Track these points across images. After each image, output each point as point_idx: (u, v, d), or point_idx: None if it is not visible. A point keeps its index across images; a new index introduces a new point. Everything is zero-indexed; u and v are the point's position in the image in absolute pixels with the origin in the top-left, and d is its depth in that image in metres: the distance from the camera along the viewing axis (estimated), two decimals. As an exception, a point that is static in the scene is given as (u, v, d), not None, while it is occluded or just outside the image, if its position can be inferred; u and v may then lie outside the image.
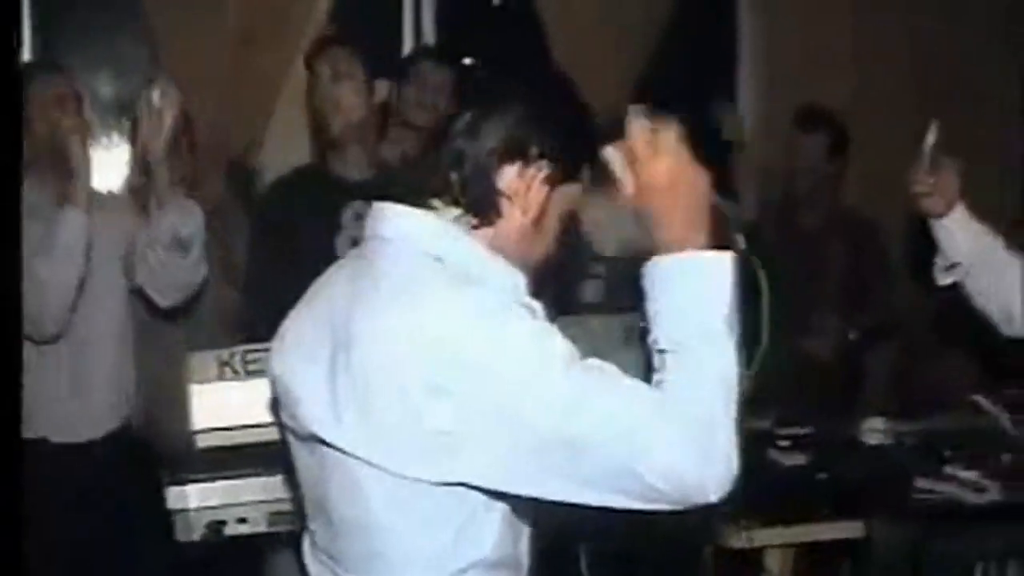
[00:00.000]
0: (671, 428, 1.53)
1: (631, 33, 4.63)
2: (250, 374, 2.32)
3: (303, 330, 1.71)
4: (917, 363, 4.06)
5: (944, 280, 2.78)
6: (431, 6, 4.59)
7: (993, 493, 3.13)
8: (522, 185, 1.67)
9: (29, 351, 2.87)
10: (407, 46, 4.54)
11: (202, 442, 2.32)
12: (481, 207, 1.66)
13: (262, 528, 2.38)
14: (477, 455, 1.53)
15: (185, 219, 2.94)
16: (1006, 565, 3.11)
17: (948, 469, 3.23)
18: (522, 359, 1.54)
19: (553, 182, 1.69)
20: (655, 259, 1.63)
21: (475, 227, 1.67)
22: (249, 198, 3.73)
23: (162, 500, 2.36)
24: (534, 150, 1.66)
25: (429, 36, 4.59)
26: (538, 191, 1.67)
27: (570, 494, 1.56)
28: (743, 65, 4.97)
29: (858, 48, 4.73)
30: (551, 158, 1.67)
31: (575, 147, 1.71)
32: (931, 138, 2.66)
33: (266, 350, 2.16)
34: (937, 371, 3.96)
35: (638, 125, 1.63)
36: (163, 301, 3.04)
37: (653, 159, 1.62)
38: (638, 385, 1.58)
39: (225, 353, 2.35)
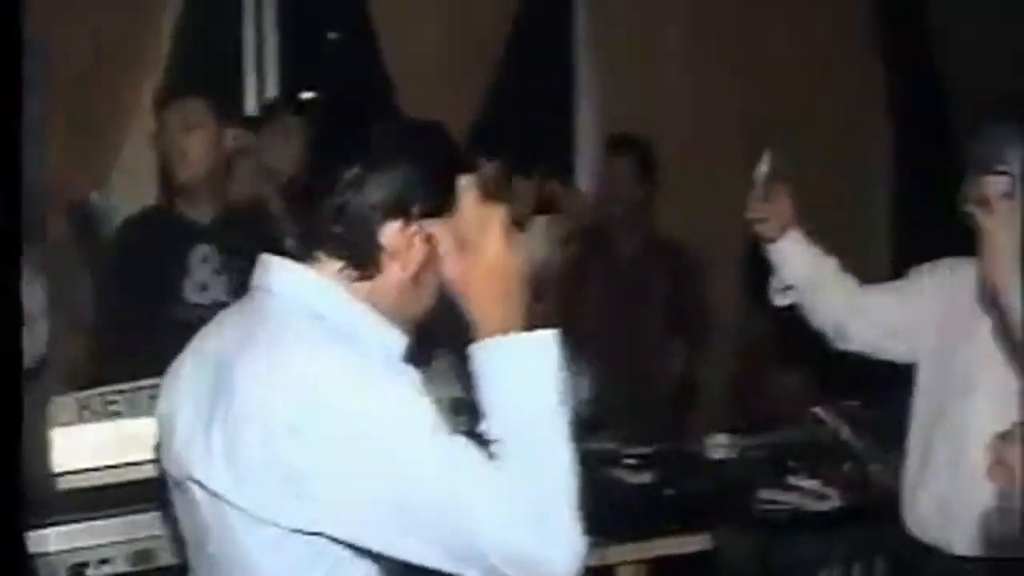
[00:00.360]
0: (509, 512, 1.53)
1: (469, 71, 4.68)
2: (110, 415, 2.30)
3: (190, 372, 1.71)
4: (758, 379, 4.20)
5: (781, 301, 2.91)
6: (273, 45, 4.59)
7: (835, 500, 3.30)
8: (403, 241, 1.67)
9: None
10: (250, 85, 4.53)
11: (64, 484, 2.29)
12: (362, 261, 1.67)
13: (124, 568, 2.33)
14: (331, 504, 1.54)
15: (28, 296, 2.87)
16: (851, 568, 3.27)
17: (791, 479, 3.39)
18: (386, 418, 1.55)
19: (433, 239, 1.69)
20: (476, 344, 1.63)
21: (355, 280, 1.68)
22: (92, 240, 3.68)
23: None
24: (416, 208, 1.67)
25: (271, 74, 4.59)
26: (419, 248, 1.68)
27: (427, 558, 1.57)
28: (579, 105, 5.07)
29: (695, 89, 4.88)
30: (433, 215, 1.68)
31: (447, 192, 1.71)
32: (764, 167, 2.79)
33: (122, 391, 2.16)
34: (778, 386, 4.11)
35: (469, 200, 1.64)
36: None
37: (477, 243, 1.62)
38: (486, 466, 1.57)
39: (84, 396, 2.32)
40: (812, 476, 3.38)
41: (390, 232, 1.66)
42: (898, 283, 2.92)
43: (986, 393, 2.56)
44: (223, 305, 2.81)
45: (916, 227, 5.15)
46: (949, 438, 2.65)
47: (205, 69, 4.35)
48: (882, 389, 3.73)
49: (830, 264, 2.87)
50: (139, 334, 2.89)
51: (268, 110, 3.97)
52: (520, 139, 4.55)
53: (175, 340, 2.80)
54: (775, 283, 2.90)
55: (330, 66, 4.81)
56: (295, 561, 1.59)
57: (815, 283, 2.85)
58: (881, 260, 5.16)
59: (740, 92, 4.90)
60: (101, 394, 2.32)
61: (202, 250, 3.04)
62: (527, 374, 1.59)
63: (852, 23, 5.24)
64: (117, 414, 2.26)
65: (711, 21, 4.89)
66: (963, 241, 2.59)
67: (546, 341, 1.61)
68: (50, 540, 2.29)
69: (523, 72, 4.86)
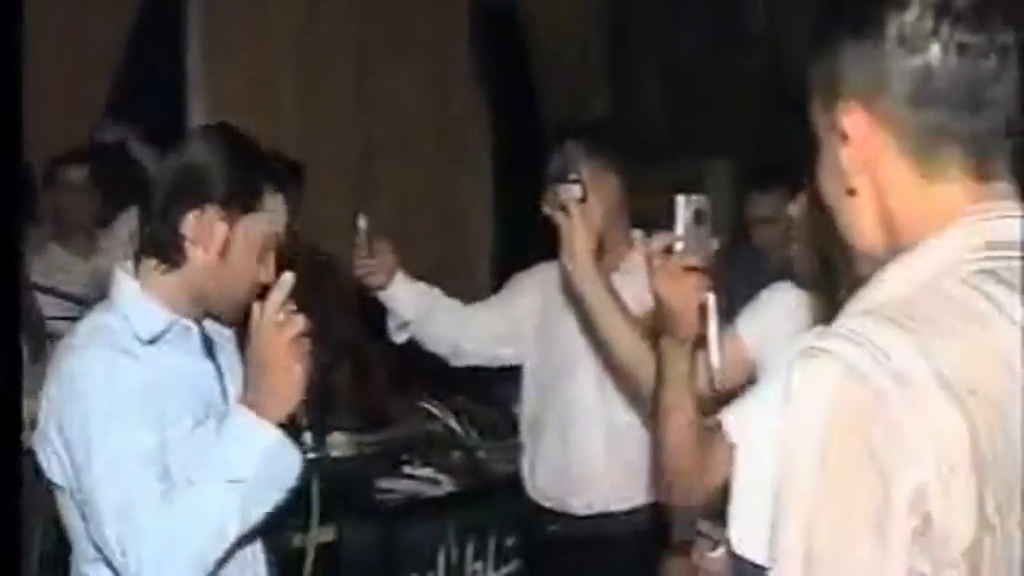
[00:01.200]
0: (161, 527, 1.71)
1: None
2: None
3: None
4: (371, 380, 4.41)
5: (400, 338, 3.12)
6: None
7: (448, 485, 3.57)
8: (202, 227, 1.82)
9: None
10: None
11: None
12: (164, 252, 1.84)
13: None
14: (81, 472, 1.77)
15: None
16: (465, 545, 3.55)
17: (407, 469, 3.63)
18: (95, 403, 1.75)
19: (231, 218, 1.83)
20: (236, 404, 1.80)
21: (166, 272, 1.85)
22: None
23: None
24: (206, 192, 1.82)
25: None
26: (219, 231, 1.83)
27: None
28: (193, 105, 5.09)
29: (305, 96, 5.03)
30: (223, 196, 1.82)
31: (245, 181, 1.86)
32: (363, 224, 2.95)
33: None
34: (390, 386, 4.33)
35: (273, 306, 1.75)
36: None
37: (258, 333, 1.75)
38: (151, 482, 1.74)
39: None
40: (425, 465, 3.64)
41: (189, 221, 1.82)
42: (498, 295, 3.23)
43: (585, 375, 2.93)
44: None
45: (516, 237, 5.54)
46: (558, 419, 2.99)
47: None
48: (487, 383, 4.08)
49: (435, 295, 3.10)
50: None
51: None
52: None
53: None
54: (392, 323, 3.10)
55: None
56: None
57: (425, 317, 3.07)
58: (485, 274, 5.54)
59: (355, 120, 5.12)
60: None
61: None
62: (240, 450, 1.74)
63: (458, 54, 5.60)
64: None
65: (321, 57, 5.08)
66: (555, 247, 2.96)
67: (285, 447, 1.76)
68: None
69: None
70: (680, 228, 1.85)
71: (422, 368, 4.15)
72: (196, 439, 1.81)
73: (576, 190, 2.20)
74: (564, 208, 2.19)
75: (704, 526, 1.92)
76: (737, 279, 2.41)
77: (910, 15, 1.07)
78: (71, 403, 1.79)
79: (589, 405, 2.96)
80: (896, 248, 1.11)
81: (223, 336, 2.02)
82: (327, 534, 3.21)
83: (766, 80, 5.85)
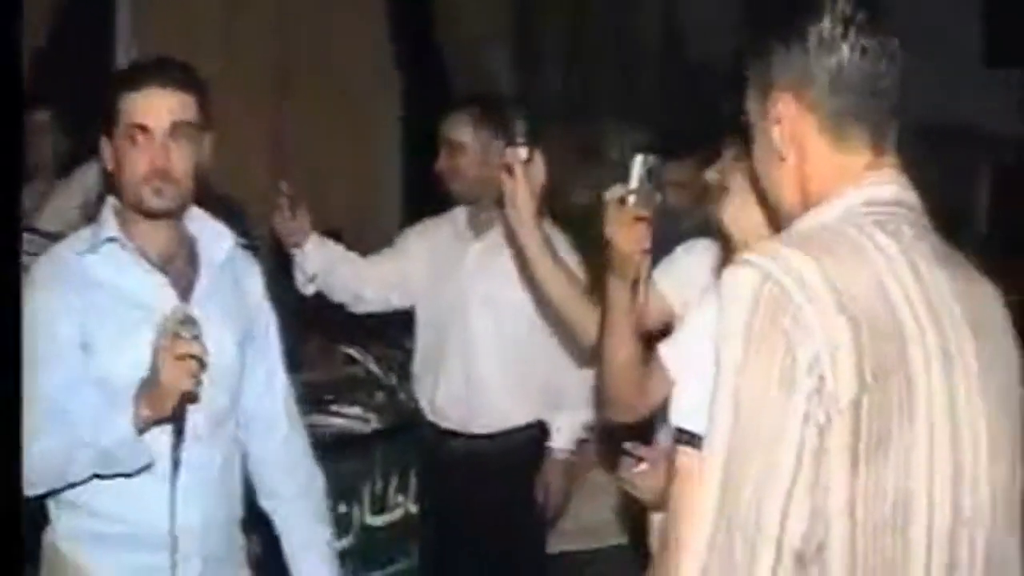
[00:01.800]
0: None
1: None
2: None
3: None
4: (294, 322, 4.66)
5: (309, 291, 3.46)
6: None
7: (374, 423, 3.86)
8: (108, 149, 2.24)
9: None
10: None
11: None
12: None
13: None
14: None
15: None
16: (389, 478, 3.84)
17: (334, 407, 3.90)
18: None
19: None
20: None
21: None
22: None
23: None
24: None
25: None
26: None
27: None
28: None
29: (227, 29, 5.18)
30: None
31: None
32: (284, 188, 3.27)
33: None
34: (318, 332, 4.58)
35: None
36: None
37: None
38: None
39: None
40: (352, 404, 3.92)
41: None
42: (390, 248, 3.62)
43: (477, 315, 3.39)
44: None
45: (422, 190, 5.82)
46: (457, 353, 3.42)
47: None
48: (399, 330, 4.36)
49: (339, 250, 3.45)
50: None
51: None
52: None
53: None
54: (300, 276, 3.42)
55: None
56: None
57: (330, 270, 3.42)
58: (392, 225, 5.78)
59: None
60: None
61: None
62: None
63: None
64: None
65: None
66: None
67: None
68: None
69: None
70: (634, 182, 2.17)
71: (342, 318, 4.44)
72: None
73: (522, 152, 2.49)
74: (509, 168, 2.48)
75: (629, 445, 2.25)
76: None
77: (826, 24, 1.42)
78: None
79: (483, 340, 3.40)
80: (809, 207, 1.46)
81: None
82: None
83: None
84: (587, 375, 3.28)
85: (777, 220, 1.55)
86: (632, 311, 2.19)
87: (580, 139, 5.28)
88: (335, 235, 3.59)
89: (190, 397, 2.07)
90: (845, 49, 1.42)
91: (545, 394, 3.41)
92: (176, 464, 2.11)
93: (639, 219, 2.18)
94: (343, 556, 3.67)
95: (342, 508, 3.68)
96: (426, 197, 5.02)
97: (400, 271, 3.52)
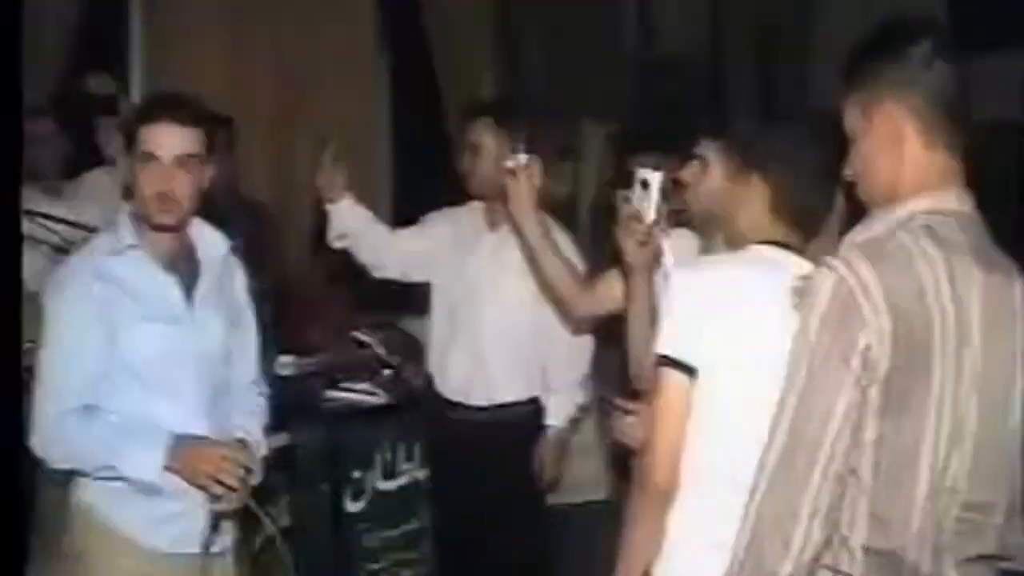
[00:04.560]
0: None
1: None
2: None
3: None
4: (311, 311, 5.03)
5: (337, 245, 3.87)
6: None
7: (382, 397, 4.27)
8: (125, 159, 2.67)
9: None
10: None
11: None
12: None
13: None
14: None
15: None
16: (397, 448, 4.25)
17: (345, 384, 4.30)
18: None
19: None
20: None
21: None
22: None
23: None
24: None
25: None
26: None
27: None
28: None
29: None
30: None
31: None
32: (328, 152, 3.69)
33: None
34: (325, 317, 4.96)
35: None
36: None
37: None
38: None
39: None
40: (362, 381, 4.33)
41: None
42: (415, 226, 4.02)
43: (489, 298, 3.76)
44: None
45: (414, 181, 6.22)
46: (466, 332, 3.80)
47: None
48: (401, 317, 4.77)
49: (369, 216, 3.87)
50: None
51: None
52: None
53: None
54: (331, 233, 3.84)
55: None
56: None
57: (359, 231, 3.84)
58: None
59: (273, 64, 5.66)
60: None
61: None
62: None
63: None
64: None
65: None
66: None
67: None
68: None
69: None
70: (648, 200, 2.58)
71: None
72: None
73: (523, 158, 2.93)
74: (513, 172, 2.92)
75: (620, 400, 2.67)
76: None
77: (924, 46, 1.87)
78: None
79: (489, 322, 3.79)
80: (896, 201, 1.88)
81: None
82: (282, 439, 3.78)
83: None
84: (578, 361, 3.76)
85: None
86: (649, 297, 2.62)
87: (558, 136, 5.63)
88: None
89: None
90: (939, 65, 1.85)
91: (541, 375, 3.80)
92: None
93: (650, 229, 2.60)
94: (358, 518, 4.13)
95: (356, 474, 4.10)
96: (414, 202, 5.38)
97: (424, 248, 3.90)
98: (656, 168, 2.60)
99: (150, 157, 2.55)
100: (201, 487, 2.50)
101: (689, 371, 2.11)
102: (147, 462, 2.49)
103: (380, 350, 4.59)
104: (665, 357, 2.15)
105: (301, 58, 5.66)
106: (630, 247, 2.62)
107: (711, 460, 2.12)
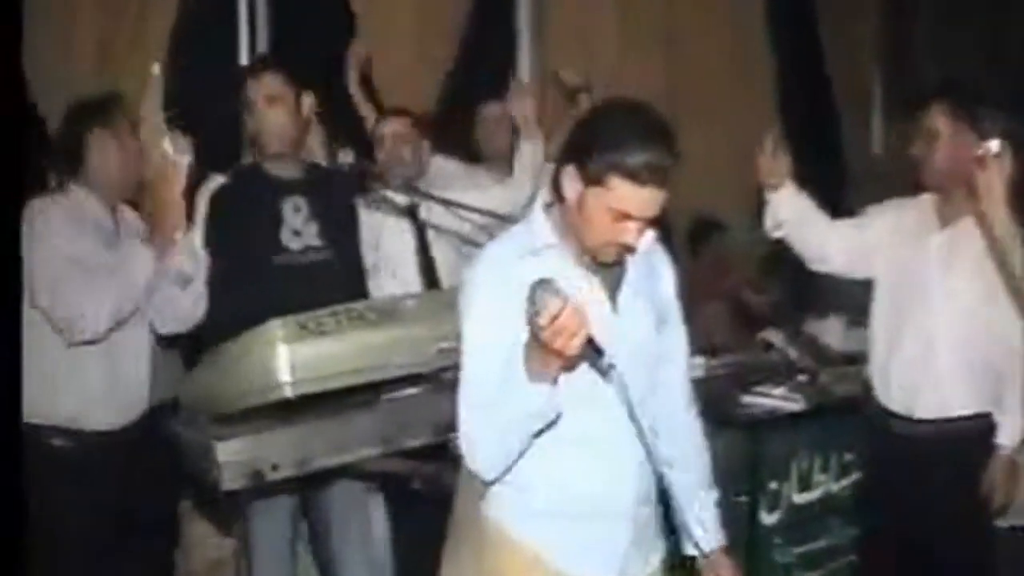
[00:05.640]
0: None
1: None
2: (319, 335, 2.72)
3: None
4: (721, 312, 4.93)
5: (775, 234, 3.66)
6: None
7: (800, 403, 4.05)
8: (568, 179, 2.39)
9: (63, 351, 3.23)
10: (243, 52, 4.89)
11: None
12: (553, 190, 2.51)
13: (290, 472, 2.82)
14: None
15: (190, 258, 3.28)
16: (813, 458, 4.02)
17: (759, 388, 4.11)
18: None
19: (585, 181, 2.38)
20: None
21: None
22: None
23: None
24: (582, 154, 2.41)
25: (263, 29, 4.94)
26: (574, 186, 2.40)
27: None
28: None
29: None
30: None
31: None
32: (769, 143, 3.52)
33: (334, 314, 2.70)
34: (735, 318, 4.84)
35: None
36: (161, 328, 3.36)
37: None
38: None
39: (303, 318, 2.71)
40: (778, 386, 4.12)
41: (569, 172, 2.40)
42: (857, 218, 3.72)
43: (939, 297, 3.41)
44: (314, 249, 3.31)
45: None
46: (914, 336, 3.46)
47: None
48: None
49: (811, 204, 3.64)
50: (246, 277, 3.33)
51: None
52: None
53: (276, 280, 3.30)
54: (770, 222, 3.63)
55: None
56: None
57: (800, 219, 3.61)
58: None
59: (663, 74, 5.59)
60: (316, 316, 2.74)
61: (293, 201, 3.46)
62: None
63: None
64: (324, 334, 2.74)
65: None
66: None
67: None
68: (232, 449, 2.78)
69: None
70: None
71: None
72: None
73: (995, 146, 2.63)
74: (980, 162, 2.62)
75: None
76: None
77: None
78: None
79: (942, 329, 3.42)
80: None
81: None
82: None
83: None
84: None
85: None
86: None
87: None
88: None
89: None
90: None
91: (992, 388, 3.42)
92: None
93: None
94: (772, 531, 3.92)
95: (772, 485, 3.93)
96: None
97: (864, 241, 3.61)
98: None
99: (624, 216, 2.32)
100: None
101: None
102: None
103: (792, 353, 4.37)
104: None
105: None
106: None
107: None
